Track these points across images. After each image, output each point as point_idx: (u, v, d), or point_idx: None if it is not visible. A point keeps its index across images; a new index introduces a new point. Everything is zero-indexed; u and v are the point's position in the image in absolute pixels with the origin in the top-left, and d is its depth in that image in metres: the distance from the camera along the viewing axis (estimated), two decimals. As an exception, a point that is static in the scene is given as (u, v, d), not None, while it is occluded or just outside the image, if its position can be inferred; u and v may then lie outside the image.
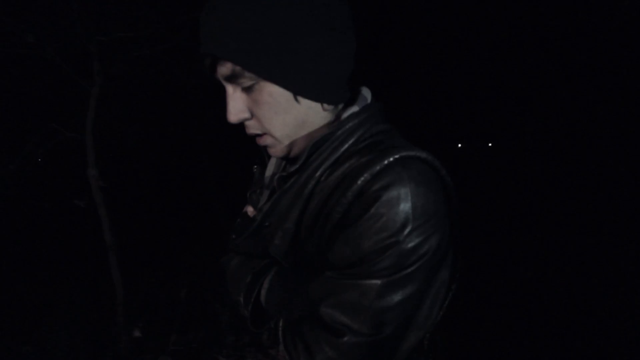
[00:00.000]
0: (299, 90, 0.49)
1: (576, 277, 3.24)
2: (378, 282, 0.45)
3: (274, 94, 0.49)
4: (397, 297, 0.46)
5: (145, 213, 4.76)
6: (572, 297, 2.85)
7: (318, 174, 0.52)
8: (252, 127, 0.54)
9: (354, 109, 0.54)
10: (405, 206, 0.44)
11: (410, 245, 0.45)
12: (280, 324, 0.54)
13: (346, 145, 0.52)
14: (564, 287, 3.02)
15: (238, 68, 0.48)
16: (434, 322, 0.57)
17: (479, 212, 6.22)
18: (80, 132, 1.96)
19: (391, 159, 0.46)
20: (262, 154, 0.66)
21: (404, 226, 0.44)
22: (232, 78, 0.49)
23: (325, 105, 0.52)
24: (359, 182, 0.46)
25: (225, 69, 0.49)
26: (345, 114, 0.53)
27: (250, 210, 0.63)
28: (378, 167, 0.46)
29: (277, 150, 0.55)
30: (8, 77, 2.10)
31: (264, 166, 0.66)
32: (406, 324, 0.50)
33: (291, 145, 0.55)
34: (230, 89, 0.51)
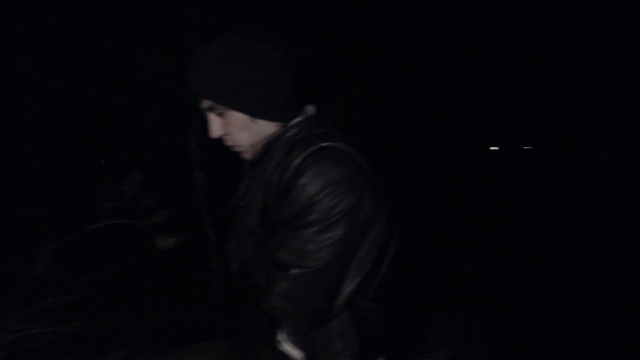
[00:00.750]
0: (253, 114, 0.75)
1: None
2: (310, 230, 0.66)
3: (237, 118, 0.75)
4: (326, 240, 0.66)
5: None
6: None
7: (272, 163, 0.75)
8: (228, 141, 0.79)
9: (298, 119, 0.78)
10: (321, 177, 0.66)
11: (329, 203, 0.65)
12: (260, 276, 0.75)
13: (290, 143, 0.75)
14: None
15: (213, 102, 0.74)
16: (373, 275, 0.75)
17: (512, 215, 6.05)
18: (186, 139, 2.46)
19: (314, 148, 0.69)
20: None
21: (322, 190, 0.65)
22: (211, 109, 0.76)
23: (275, 123, 0.77)
24: (293, 164, 0.69)
25: (206, 103, 0.76)
26: (291, 123, 0.77)
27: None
28: (305, 154, 0.69)
29: (246, 154, 0.81)
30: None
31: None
32: (338, 264, 0.68)
33: (255, 151, 0.79)
34: (210, 115, 0.77)
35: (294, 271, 0.67)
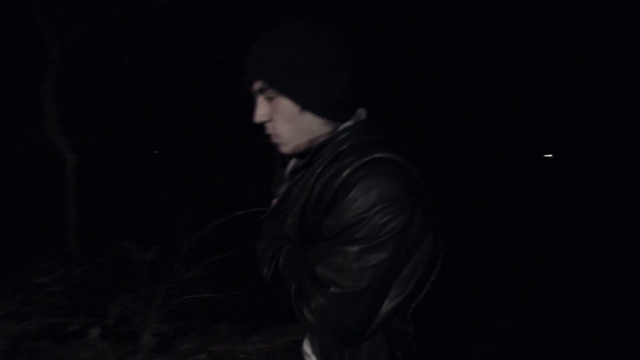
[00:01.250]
0: (303, 104, 0.69)
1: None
2: (355, 248, 0.61)
3: (286, 106, 0.69)
4: (370, 261, 0.61)
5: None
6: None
7: (319, 170, 0.70)
8: (269, 129, 0.74)
9: (349, 123, 0.73)
10: (375, 192, 0.60)
11: (379, 221, 0.60)
12: (292, 286, 0.72)
13: (340, 150, 0.70)
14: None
15: (265, 84, 0.69)
16: (414, 296, 0.69)
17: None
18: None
19: (367, 159, 0.64)
20: (283, 159, 0.87)
21: (373, 205, 0.60)
22: (261, 91, 0.71)
23: (325, 120, 0.71)
24: (344, 174, 0.64)
25: (258, 84, 0.71)
26: (342, 127, 0.73)
27: (273, 201, 0.85)
28: (357, 164, 0.64)
29: (284, 149, 0.75)
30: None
31: (284, 167, 0.88)
32: (380, 286, 0.64)
33: (296, 147, 0.73)
34: (259, 98, 0.72)
35: (333, 289, 0.63)
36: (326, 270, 0.64)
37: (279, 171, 0.89)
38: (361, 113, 0.76)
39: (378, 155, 0.64)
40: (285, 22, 0.70)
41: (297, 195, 0.74)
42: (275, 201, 0.84)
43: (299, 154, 0.76)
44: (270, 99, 0.71)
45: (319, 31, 0.68)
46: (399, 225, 0.62)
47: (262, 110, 0.72)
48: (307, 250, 0.72)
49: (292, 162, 0.84)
